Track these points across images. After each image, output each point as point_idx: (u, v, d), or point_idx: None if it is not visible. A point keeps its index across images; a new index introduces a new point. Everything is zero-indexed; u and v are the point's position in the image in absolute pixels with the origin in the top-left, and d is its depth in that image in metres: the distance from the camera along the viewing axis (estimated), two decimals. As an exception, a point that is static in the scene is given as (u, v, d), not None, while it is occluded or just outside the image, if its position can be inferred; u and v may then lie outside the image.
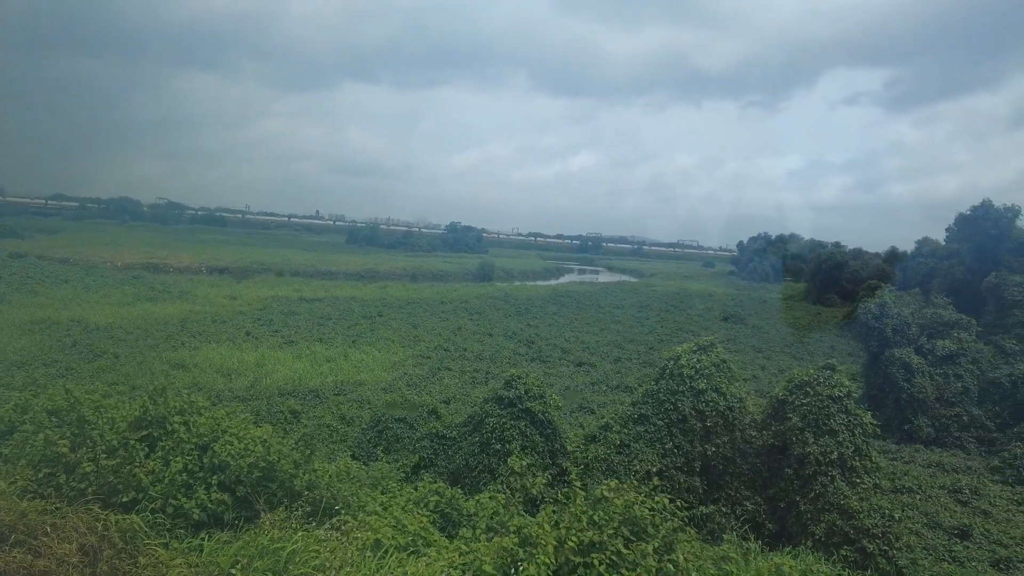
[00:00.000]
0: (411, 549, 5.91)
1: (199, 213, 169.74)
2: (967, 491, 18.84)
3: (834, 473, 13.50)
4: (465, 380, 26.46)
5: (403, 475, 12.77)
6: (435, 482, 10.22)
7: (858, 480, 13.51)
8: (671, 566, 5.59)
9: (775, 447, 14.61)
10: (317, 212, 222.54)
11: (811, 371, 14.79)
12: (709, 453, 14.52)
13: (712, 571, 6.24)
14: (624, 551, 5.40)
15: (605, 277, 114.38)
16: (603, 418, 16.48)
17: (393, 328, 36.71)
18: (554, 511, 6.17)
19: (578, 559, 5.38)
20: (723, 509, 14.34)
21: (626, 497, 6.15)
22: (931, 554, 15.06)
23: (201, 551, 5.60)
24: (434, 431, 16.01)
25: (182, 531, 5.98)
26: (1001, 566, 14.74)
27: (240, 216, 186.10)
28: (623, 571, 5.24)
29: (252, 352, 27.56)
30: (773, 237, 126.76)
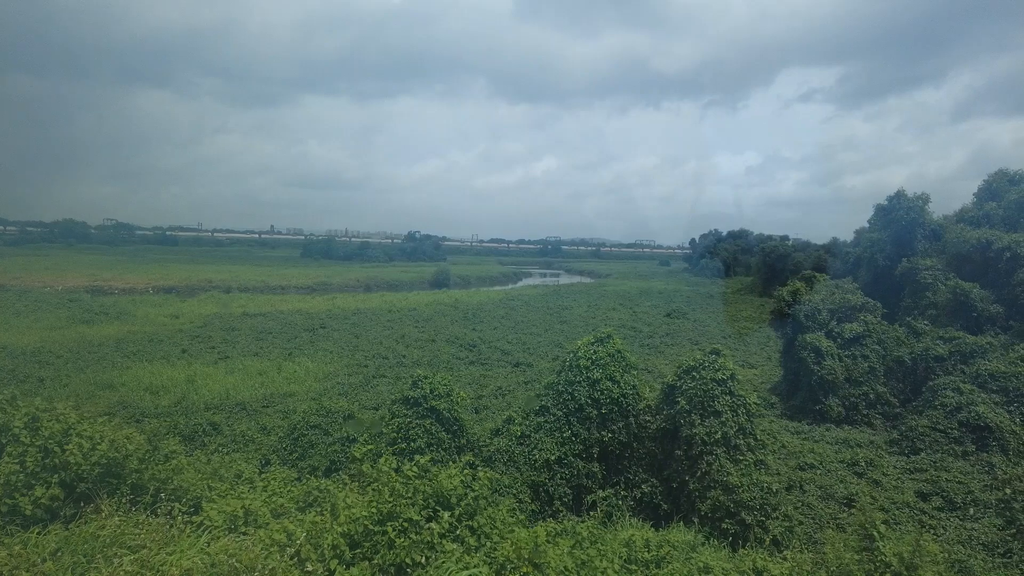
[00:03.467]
0: (234, 528, 6.41)
1: (150, 233, 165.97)
2: (863, 463, 20.02)
3: (718, 452, 14.37)
4: (400, 386, 26.80)
5: (297, 476, 13.15)
6: (308, 479, 10.70)
7: (741, 457, 14.41)
8: (467, 530, 6.22)
9: (668, 430, 15.45)
10: (272, 227, 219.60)
11: (698, 356, 15.69)
12: (606, 439, 15.28)
13: (521, 535, 6.87)
14: (416, 518, 6.00)
15: (564, 280, 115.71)
16: (507, 411, 17.12)
17: (334, 339, 36.84)
18: (373, 488, 6.75)
19: (376, 528, 5.97)
20: (621, 492, 15.11)
21: (442, 473, 6.78)
22: (817, 522, 16.11)
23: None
24: (346, 435, 16.42)
25: (17, 527, 6.36)
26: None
27: (193, 234, 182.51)
28: (411, 536, 5.84)
29: (184, 369, 27.47)
30: (724, 234, 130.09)
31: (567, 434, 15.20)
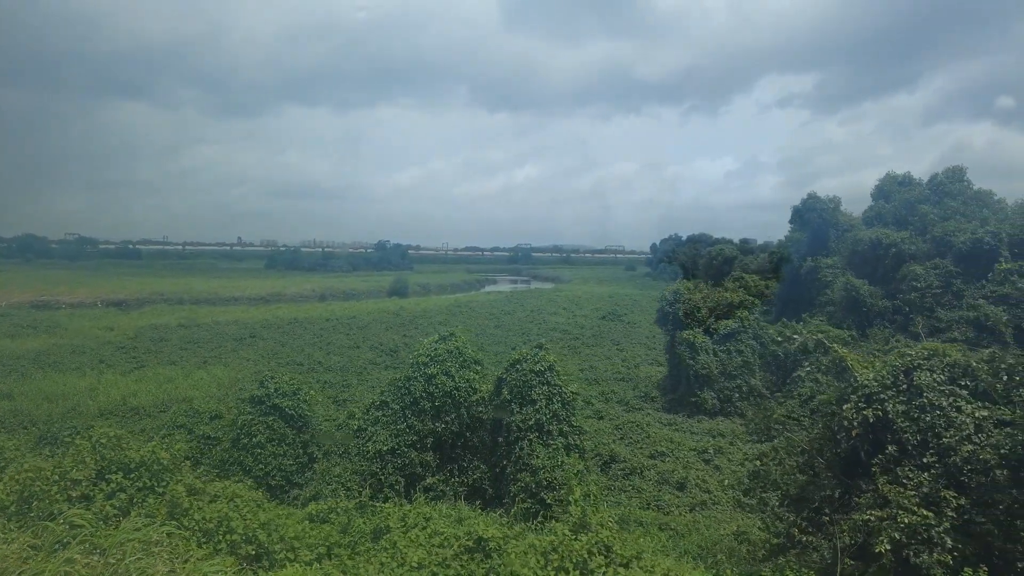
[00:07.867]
0: None
1: (113, 247, 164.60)
2: (711, 451, 21.50)
3: (531, 437, 15.61)
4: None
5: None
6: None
7: (552, 442, 15.69)
8: (136, 490, 7.43)
9: (496, 419, 16.72)
10: (239, 239, 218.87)
11: (524, 351, 16.98)
12: (439, 429, 16.49)
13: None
14: (80, 478, 7.20)
15: (531, 285, 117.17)
16: (349, 408, 18.27)
17: (258, 348, 37.71)
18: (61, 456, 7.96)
19: (48, 486, 7.16)
20: (451, 479, 16.32)
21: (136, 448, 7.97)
22: (641, 503, 17.50)
23: None
24: (203, 433, 17.48)
25: None
26: (697, 508, 17.28)
27: (159, 247, 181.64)
28: (70, 492, 7.03)
29: (93, 378, 28.26)
30: (684, 238, 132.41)
31: (402, 426, 16.38)
